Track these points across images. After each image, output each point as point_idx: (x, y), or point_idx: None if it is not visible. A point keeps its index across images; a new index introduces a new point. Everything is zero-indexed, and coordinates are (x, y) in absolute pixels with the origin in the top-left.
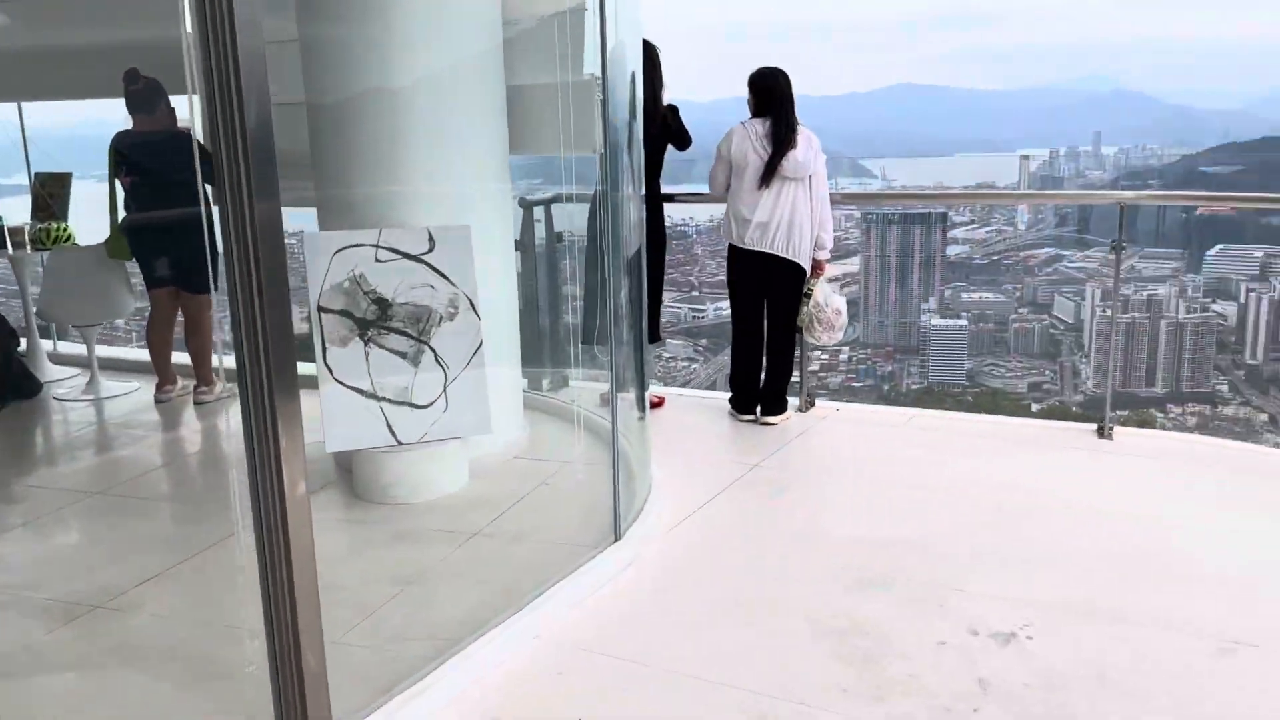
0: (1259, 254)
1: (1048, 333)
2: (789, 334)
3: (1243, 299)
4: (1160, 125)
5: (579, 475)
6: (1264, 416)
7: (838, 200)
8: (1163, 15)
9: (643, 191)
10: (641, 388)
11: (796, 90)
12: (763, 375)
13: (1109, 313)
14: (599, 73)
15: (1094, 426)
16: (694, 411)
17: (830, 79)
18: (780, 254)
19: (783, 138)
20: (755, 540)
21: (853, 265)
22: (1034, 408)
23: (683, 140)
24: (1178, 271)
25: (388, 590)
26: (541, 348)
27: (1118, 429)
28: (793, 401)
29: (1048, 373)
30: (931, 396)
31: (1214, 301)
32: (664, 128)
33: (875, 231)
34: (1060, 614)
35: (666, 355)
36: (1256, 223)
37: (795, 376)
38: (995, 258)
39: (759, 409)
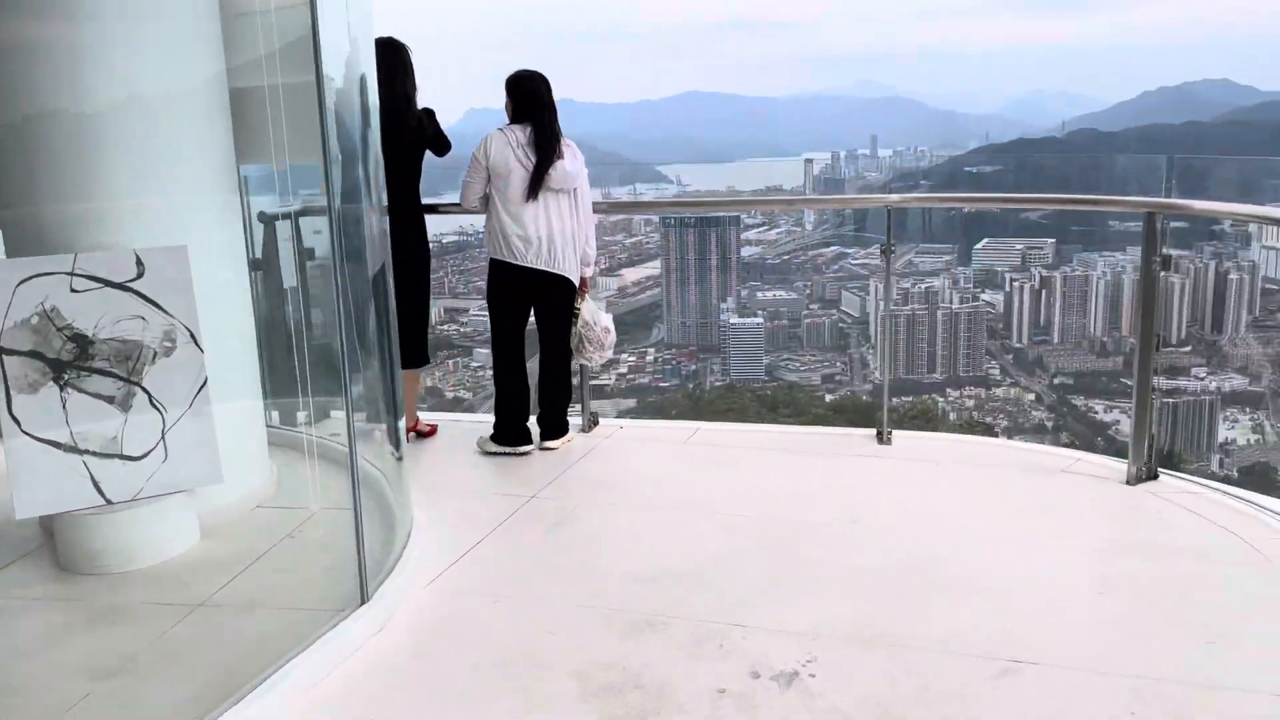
0: (1019, 246)
1: (837, 327)
2: (564, 352)
3: (1008, 288)
4: (929, 129)
5: (331, 524)
6: (1031, 395)
7: (635, 208)
8: (929, 25)
9: (384, 202)
10: (395, 418)
11: (595, 98)
12: (534, 400)
13: (889, 306)
14: (331, 73)
15: (873, 431)
16: (472, 438)
17: (622, 86)
18: (550, 269)
19: (548, 146)
20: (526, 584)
21: (653, 268)
22: (828, 398)
23: (441, 145)
24: (950, 265)
25: (82, 687)
26: (292, 377)
27: (896, 432)
28: (575, 422)
29: (839, 364)
30: (733, 393)
31: (983, 291)
32: (419, 132)
33: (674, 235)
34: (844, 646)
35: (475, 365)
36: (1016, 217)
37: (576, 397)
38: (786, 257)
39: (540, 434)
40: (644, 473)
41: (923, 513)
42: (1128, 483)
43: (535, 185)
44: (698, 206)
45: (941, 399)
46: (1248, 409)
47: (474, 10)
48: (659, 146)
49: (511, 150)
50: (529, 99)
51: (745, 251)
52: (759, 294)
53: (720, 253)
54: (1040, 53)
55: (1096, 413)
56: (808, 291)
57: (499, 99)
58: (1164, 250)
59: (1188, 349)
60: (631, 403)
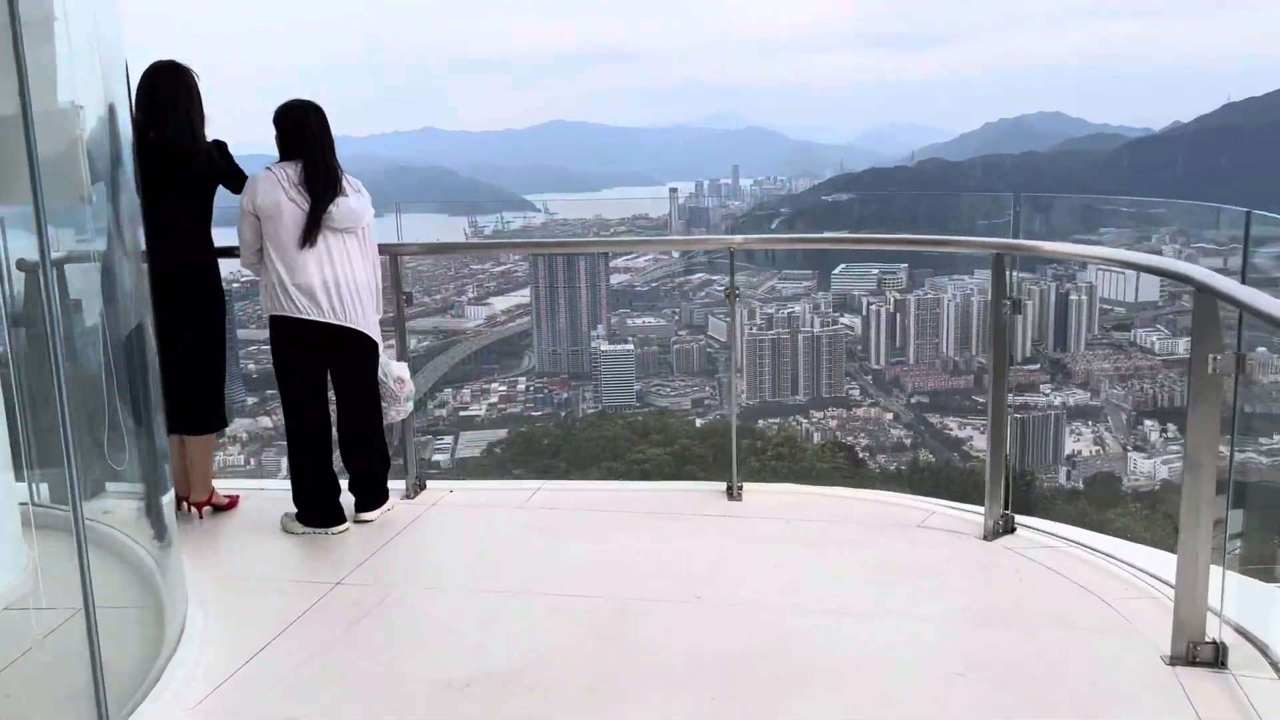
0: (875, 271)
1: (705, 352)
2: (373, 412)
3: (865, 312)
4: (788, 159)
5: (82, 632)
6: (890, 415)
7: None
8: (784, 59)
9: (141, 247)
10: (159, 492)
11: (459, 126)
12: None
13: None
14: (80, 100)
15: (724, 486)
16: (280, 510)
17: (488, 114)
18: (342, 324)
19: (322, 182)
20: (313, 700)
21: (523, 296)
22: (698, 423)
23: (235, 180)
24: (810, 290)
25: None
26: (58, 449)
27: (747, 486)
28: (399, 487)
29: (708, 389)
30: (605, 421)
31: (842, 315)
32: (209, 167)
33: (543, 263)
34: None
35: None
36: (872, 244)
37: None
38: (655, 285)
39: (355, 504)
40: (472, 547)
41: (772, 584)
42: (984, 537)
43: (312, 228)
44: (546, 247)
45: (805, 420)
46: (1090, 422)
47: (329, 38)
48: (526, 175)
49: (282, 190)
50: (298, 133)
51: (615, 279)
52: (629, 321)
53: (590, 280)
54: (889, 87)
55: (951, 429)
56: (676, 318)
57: (358, 126)
58: (1013, 294)
59: (1035, 366)
60: (503, 432)
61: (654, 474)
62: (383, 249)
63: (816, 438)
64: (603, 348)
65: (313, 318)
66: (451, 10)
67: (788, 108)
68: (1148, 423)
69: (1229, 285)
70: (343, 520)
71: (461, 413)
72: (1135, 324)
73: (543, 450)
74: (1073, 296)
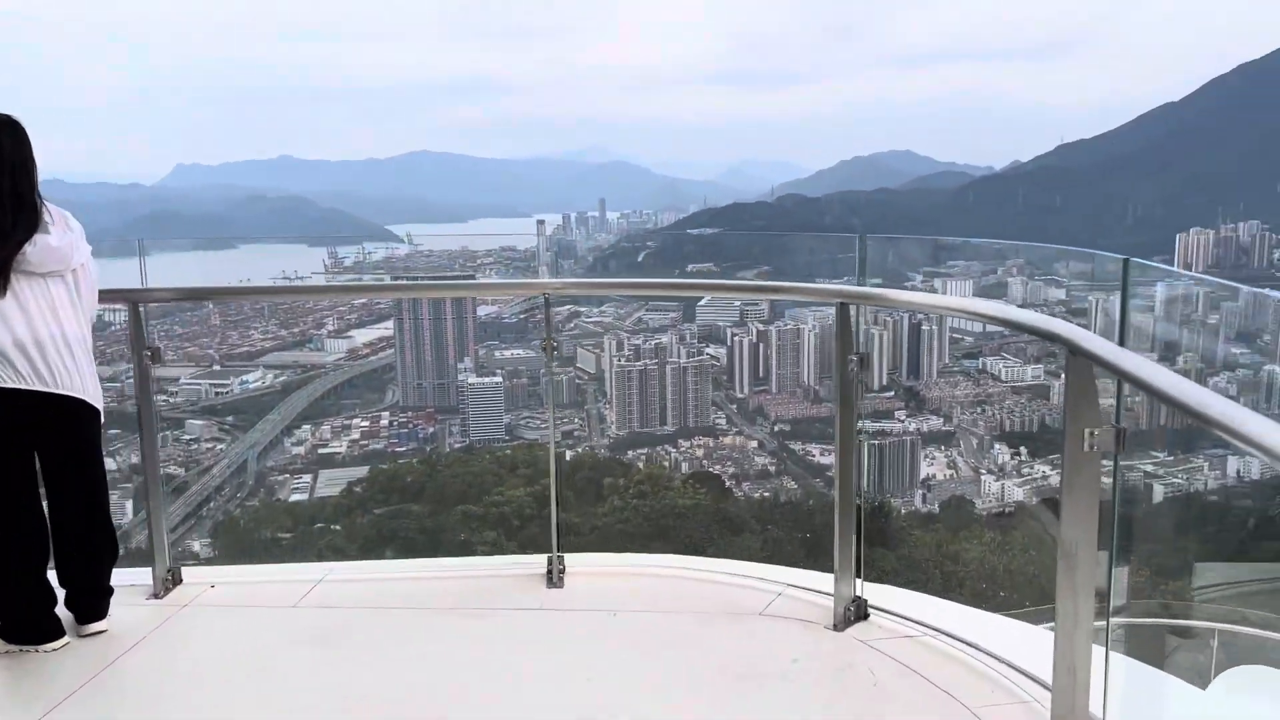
0: (738, 303)
1: (574, 383)
2: (98, 496)
3: (729, 342)
4: (654, 193)
5: None
6: (754, 443)
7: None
8: (649, 95)
9: None
10: None
11: (318, 155)
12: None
13: (621, 362)
14: None
15: (544, 570)
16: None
17: (348, 143)
18: (53, 390)
19: (11, 216)
20: None
21: (386, 329)
22: (568, 454)
23: None
24: (676, 321)
25: None
26: None
27: (573, 563)
28: (143, 585)
29: (577, 420)
30: (472, 456)
31: (707, 346)
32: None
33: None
34: None
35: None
36: (734, 276)
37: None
38: (523, 316)
39: (75, 616)
40: (219, 667)
41: (583, 705)
42: (835, 626)
43: (2, 272)
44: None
45: (674, 450)
46: (943, 447)
47: (184, 63)
48: (388, 206)
49: None
50: None
51: (482, 311)
52: (497, 353)
53: (456, 312)
54: (750, 124)
55: (814, 456)
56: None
57: (208, 154)
58: (859, 350)
59: (890, 394)
60: (363, 470)
61: (513, 516)
62: (120, 295)
63: (685, 467)
64: (470, 380)
65: (7, 385)
66: (310, 34)
67: (653, 143)
68: (998, 446)
69: (1110, 351)
70: (59, 635)
71: (321, 450)
72: (984, 352)
73: (405, 488)
74: (925, 326)
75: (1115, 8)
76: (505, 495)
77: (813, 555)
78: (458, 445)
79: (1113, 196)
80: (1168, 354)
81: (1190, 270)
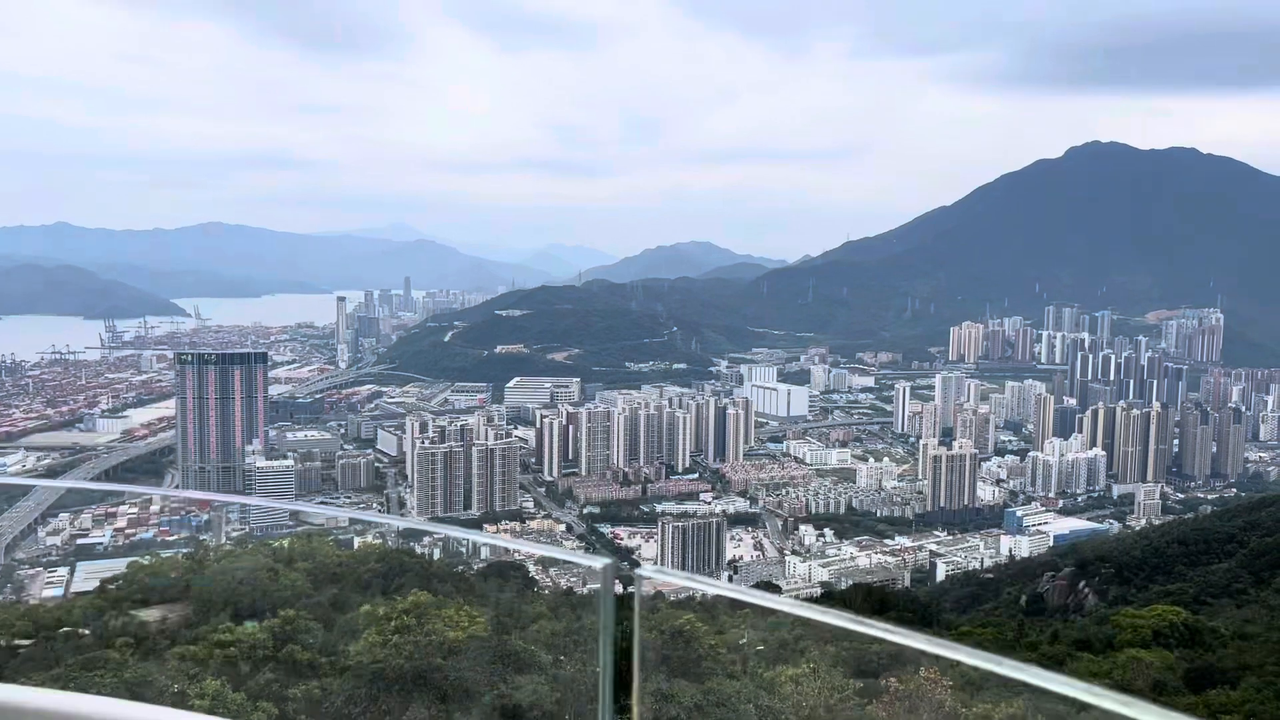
0: (547, 384)
1: (373, 466)
2: None
3: (538, 424)
4: (461, 273)
5: None
6: (562, 527)
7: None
8: (456, 176)
9: None
10: None
11: (99, 223)
12: None
13: (424, 444)
14: None
15: None
16: None
17: (132, 213)
18: None
19: None
20: None
21: (167, 408)
22: (356, 542)
23: None
24: (484, 402)
25: None
26: None
27: None
28: None
29: (375, 505)
30: (246, 551)
31: (515, 428)
32: None
33: (192, 372)
34: None
35: None
36: (544, 358)
37: None
38: (319, 396)
39: None
40: None
41: None
42: None
43: None
44: None
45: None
46: (749, 528)
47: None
48: (175, 279)
49: None
50: None
51: (274, 390)
52: (289, 435)
53: (246, 391)
54: (557, 209)
55: (622, 538)
56: (343, 431)
57: None
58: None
59: (694, 476)
60: (121, 564)
61: (240, 659)
62: None
63: (485, 551)
64: (259, 464)
65: None
66: (92, 96)
67: (460, 223)
68: (803, 527)
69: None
70: None
71: (80, 540)
72: (788, 436)
73: (169, 586)
74: (730, 410)
75: (896, 116)
76: (234, 636)
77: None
78: (235, 533)
79: (893, 291)
80: (945, 439)
81: (963, 360)
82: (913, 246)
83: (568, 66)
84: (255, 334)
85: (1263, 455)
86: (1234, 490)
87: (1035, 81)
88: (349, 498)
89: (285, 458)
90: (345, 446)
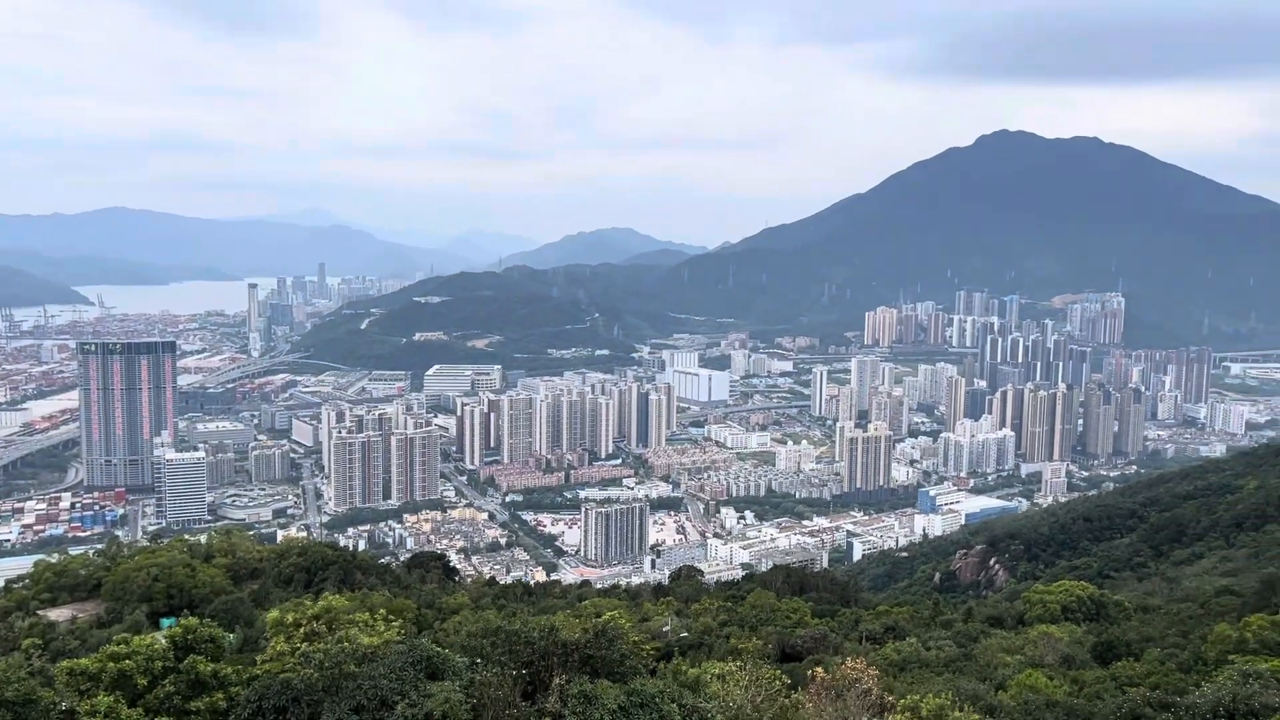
0: (468, 372)
1: (288, 457)
2: None
3: (459, 412)
4: (378, 260)
5: None
6: (484, 515)
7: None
8: (373, 160)
9: None
10: None
11: (15, 209)
12: None
13: (341, 434)
14: None
15: None
16: None
17: (30, 197)
18: None
19: None
20: None
21: (70, 400)
22: (279, 535)
23: None
24: (403, 391)
25: None
26: None
27: None
28: None
29: (291, 497)
30: (162, 546)
31: (435, 416)
32: None
33: (96, 363)
34: None
35: None
36: (464, 345)
37: None
38: (231, 386)
39: None
40: None
41: None
42: None
43: None
44: None
45: (399, 526)
46: (672, 512)
47: None
48: (77, 266)
49: None
50: None
51: (184, 380)
52: (200, 426)
53: (154, 381)
54: (478, 195)
55: (545, 526)
56: (256, 421)
57: None
58: None
59: (617, 461)
60: (25, 563)
61: (136, 672)
62: None
63: (410, 542)
64: (168, 456)
65: None
66: None
67: (378, 209)
68: (725, 510)
69: None
70: None
71: None
72: (709, 420)
73: (79, 584)
74: (652, 396)
75: (814, 105)
76: (131, 645)
77: (529, 699)
78: (152, 526)
79: (810, 276)
80: (861, 421)
81: (878, 345)
82: (829, 233)
83: (493, 51)
84: (163, 322)
85: (1161, 433)
86: (1134, 467)
87: (950, 72)
88: (263, 489)
89: (196, 449)
90: (259, 437)
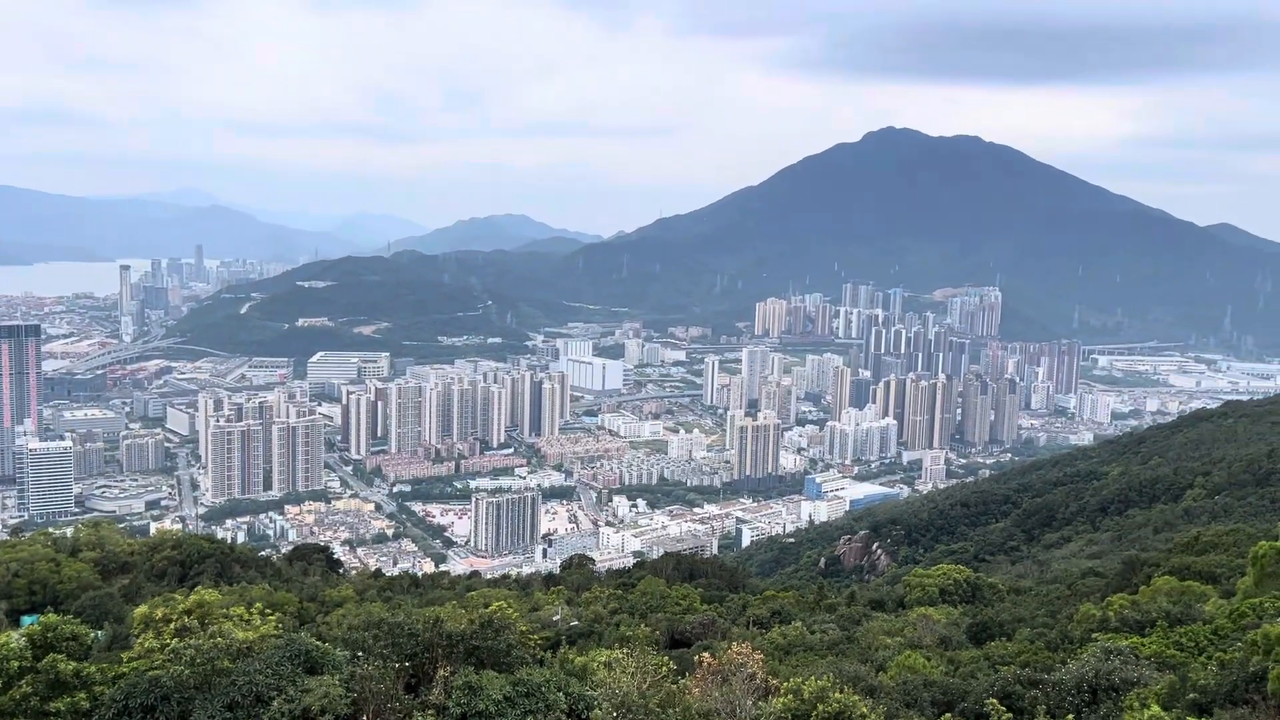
0: (355, 359)
1: (163, 447)
2: None
3: (345, 400)
4: (259, 242)
5: None
6: (371, 506)
7: None
8: (253, 138)
9: None
10: None
11: None
12: None
13: (220, 422)
14: None
15: None
16: None
17: None
18: None
19: None
20: None
21: None
22: (153, 528)
23: None
24: (285, 378)
25: None
26: None
27: None
28: None
29: (166, 488)
30: (22, 541)
31: (320, 404)
32: None
33: None
34: None
35: None
36: (350, 331)
37: None
38: (101, 372)
39: None
40: None
41: None
42: None
43: None
44: None
45: (280, 517)
46: (564, 501)
47: None
48: None
49: None
50: None
51: (49, 365)
52: (66, 414)
53: (16, 367)
54: (366, 178)
55: (435, 516)
56: (128, 409)
57: None
58: None
59: (509, 450)
60: None
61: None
62: None
63: (292, 534)
64: (31, 445)
65: None
66: None
67: (260, 190)
68: (617, 499)
69: None
70: None
71: None
72: (603, 410)
73: None
74: (546, 385)
75: (709, 97)
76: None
77: (413, 692)
78: (14, 519)
79: (703, 267)
80: (751, 410)
81: (768, 335)
82: (722, 224)
83: (385, 30)
84: (26, 304)
85: (1034, 422)
86: (1009, 455)
87: (840, 68)
88: (135, 480)
89: (62, 438)
90: (131, 426)
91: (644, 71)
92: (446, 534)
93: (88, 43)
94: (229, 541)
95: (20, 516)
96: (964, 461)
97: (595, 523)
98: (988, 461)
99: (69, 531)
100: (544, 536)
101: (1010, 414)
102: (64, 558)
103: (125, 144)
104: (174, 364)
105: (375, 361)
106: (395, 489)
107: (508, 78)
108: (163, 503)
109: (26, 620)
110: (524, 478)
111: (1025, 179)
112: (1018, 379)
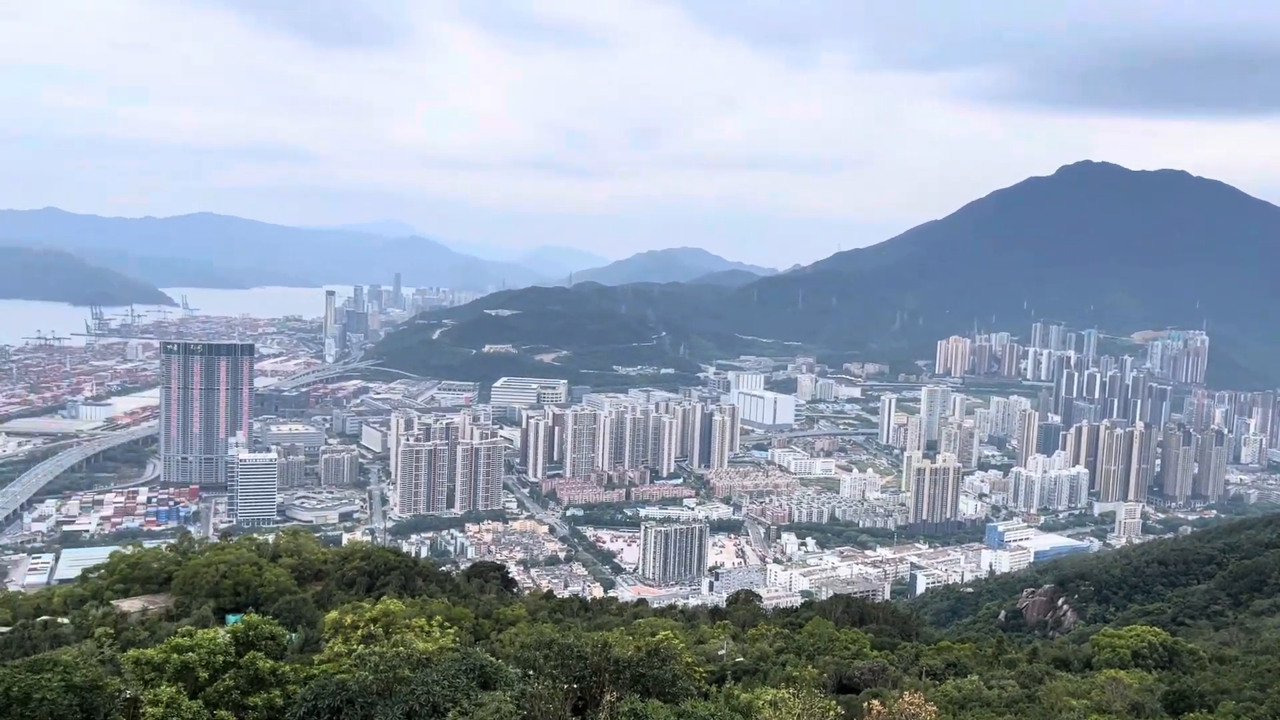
0: (535, 385)
1: (357, 462)
2: None
3: (524, 424)
4: (452, 272)
5: None
6: (545, 528)
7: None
8: (448, 173)
9: None
10: None
11: (88, 209)
12: None
13: (409, 441)
14: None
15: None
16: None
17: (124, 200)
18: None
19: None
20: None
21: (151, 398)
22: (345, 538)
23: None
24: (471, 401)
25: None
26: None
27: None
28: None
29: (358, 501)
30: (230, 543)
31: (501, 427)
32: None
33: (178, 362)
34: None
35: None
36: (532, 359)
37: None
38: (305, 390)
39: None
40: None
41: None
42: None
43: None
44: None
45: (460, 534)
46: (732, 535)
47: None
48: (165, 267)
49: None
50: None
51: (260, 382)
52: (273, 428)
53: (231, 383)
54: (550, 213)
55: (604, 542)
56: (327, 425)
57: None
58: None
59: (678, 481)
60: (102, 554)
61: (198, 665)
62: None
63: (471, 551)
64: (242, 456)
65: None
66: (87, 81)
67: (453, 222)
68: (785, 536)
69: None
70: None
71: (66, 527)
72: (773, 444)
73: (151, 576)
74: (716, 417)
75: (892, 131)
76: (195, 638)
77: (579, 714)
78: (223, 524)
79: (882, 302)
80: (929, 452)
81: (949, 374)
82: (902, 259)
83: (574, 70)
84: (243, 325)
85: (1244, 478)
86: (1214, 512)
87: (1032, 100)
88: (331, 492)
89: (269, 450)
90: (329, 441)
91: (825, 106)
92: (615, 560)
93: (303, 84)
94: (413, 555)
95: (229, 521)
96: (1163, 516)
97: (763, 558)
98: (1190, 517)
99: (271, 538)
100: (711, 569)
101: (1217, 467)
102: (265, 562)
103: (333, 177)
104: (370, 384)
105: (554, 388)
106: (568, 512)
107: (690, 115)
108: (355, 515)
109: (231, 619)
110: (692, 509)
111: (1238, 216)
112: (1226, 430)
